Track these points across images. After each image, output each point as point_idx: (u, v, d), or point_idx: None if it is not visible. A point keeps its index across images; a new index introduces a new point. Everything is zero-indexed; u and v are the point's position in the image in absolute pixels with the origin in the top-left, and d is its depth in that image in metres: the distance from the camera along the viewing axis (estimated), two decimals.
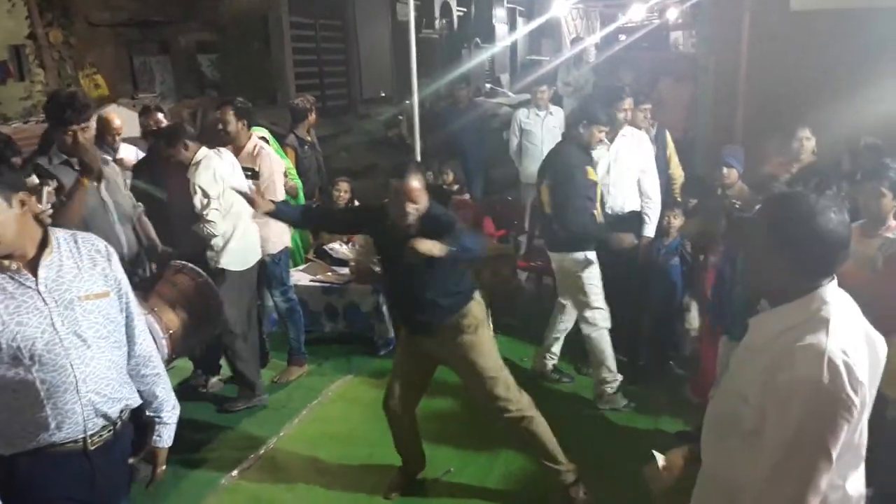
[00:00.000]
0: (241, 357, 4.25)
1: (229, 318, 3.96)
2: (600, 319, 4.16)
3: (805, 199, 1.61)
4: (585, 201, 3.94)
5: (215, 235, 3.92)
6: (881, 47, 4.90)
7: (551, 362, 4.63)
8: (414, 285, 3.12)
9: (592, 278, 4.11)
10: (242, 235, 4.10)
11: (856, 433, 1.61)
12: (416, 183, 2.98)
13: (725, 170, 4.29)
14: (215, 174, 3.91)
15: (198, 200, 3.86)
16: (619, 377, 4.26)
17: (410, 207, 2.98)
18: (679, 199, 4.90)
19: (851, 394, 1.51)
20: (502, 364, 3.30)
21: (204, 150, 3.99)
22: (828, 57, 5.06)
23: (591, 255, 4.09)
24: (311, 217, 3.87)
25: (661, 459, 1.97)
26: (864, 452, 1.69)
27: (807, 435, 1.53)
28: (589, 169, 4.01)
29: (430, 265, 2.94)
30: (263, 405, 4.39)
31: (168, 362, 3.10)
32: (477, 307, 3.27)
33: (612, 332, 4.21)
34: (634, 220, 4.46)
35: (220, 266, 3.97)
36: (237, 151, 4.26)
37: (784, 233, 1.60)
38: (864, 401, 1.57)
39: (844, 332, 1.58)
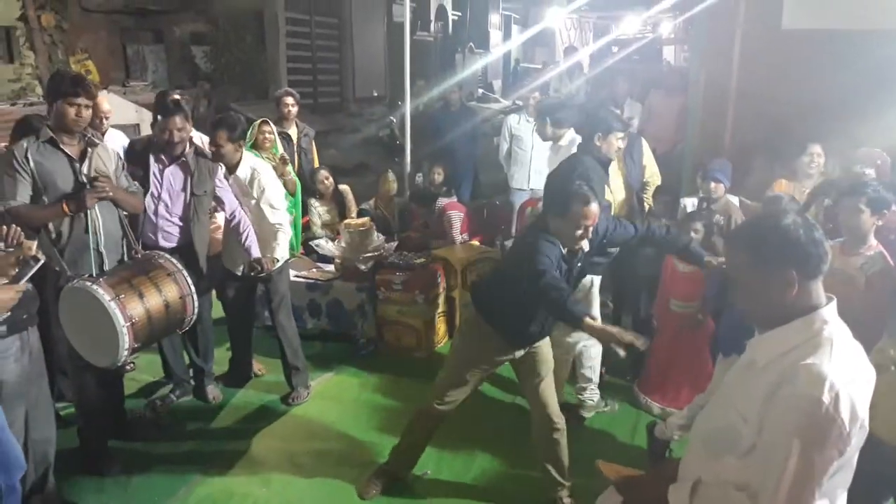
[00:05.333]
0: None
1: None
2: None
3: (760, 217, 1.74)
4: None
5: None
6: (871, 68, 4.96)
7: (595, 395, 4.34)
8: (537, 305, 3.01)
9: (597, 293, 4.09)
10: None
11: (854, 453, 1.63)
12: (597, 207, 2.89)
13: (713, 184, 4.32)
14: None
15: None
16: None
17: (590, 232, 2.93)
18: (651, 205, 4.84)
19: (847, 424, 1.52)
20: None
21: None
22: (817, 76, 5.12)
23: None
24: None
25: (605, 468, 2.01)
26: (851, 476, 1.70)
27: (798, 453, 1.54)
28: (605, 186, 3.94)
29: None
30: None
31: (132, 352, 3.07)
32: None
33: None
34: None
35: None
36: (230, 170, 4.14)
37: (759, 249, 1.65)
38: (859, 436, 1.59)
39: (847, 359, 1.60)
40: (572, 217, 2.86)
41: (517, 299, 3.01)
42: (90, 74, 9.50)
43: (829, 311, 1.66)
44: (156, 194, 3.83)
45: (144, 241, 3.80)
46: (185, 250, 3.88)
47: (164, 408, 4.30)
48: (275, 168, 4.81)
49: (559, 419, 3.33)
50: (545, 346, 3.33)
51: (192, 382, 4.42)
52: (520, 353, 3.27)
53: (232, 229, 4.10)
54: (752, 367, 1.72)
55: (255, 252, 4.05)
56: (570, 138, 4.55)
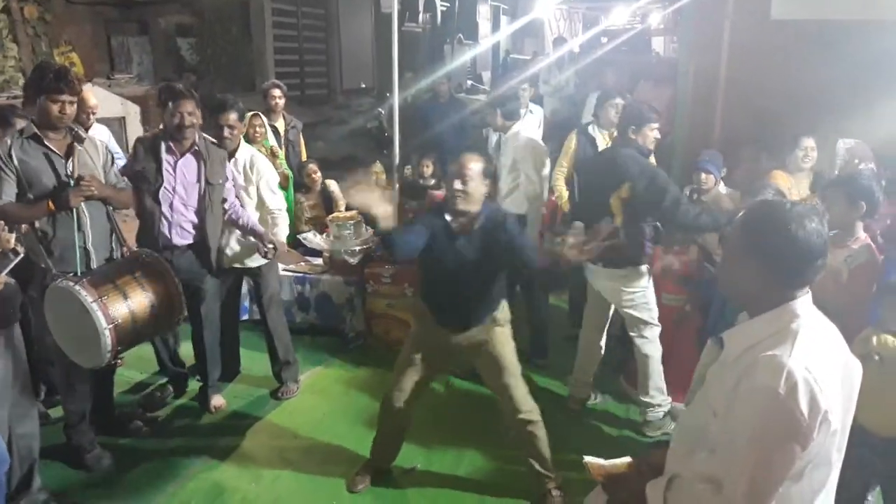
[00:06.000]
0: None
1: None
2: (656, 335, 3.96)
3: (782, 207, 1.61)
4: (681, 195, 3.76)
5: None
6: (862, 59, 4.96)
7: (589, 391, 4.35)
8: (461, 282, 3.11)
9: (651, 291, 3.94)
10: None
11: (833, 449, 1.61)
12: (471, 163, 3.04)
13: (703, 175, 4.32)
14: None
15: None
16: (669, 399, 4.03)
17: (457, 185, 3.01)
18: None
19: (806, 416, 1.48)
20: (519, 366, 3.34)
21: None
22: (807, 66, 5.11)
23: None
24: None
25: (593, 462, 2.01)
26: (836, 476, 1.68)
27: (756, 445, 1.51)
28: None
29: (478, 267, 3.05)
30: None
31: (115, 354, 3.03)
32: (505, 303, 3.33)
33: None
34: None
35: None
36: (229, 155, 4.05)
37: (759, 240, 1.60)
38: (835, 427, 1.56)
39: (813, 351, 1.55)
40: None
41: (434, 274, 3.19)
42: (74, 67, 9.37)
43: (802, 304, 1.62)
44: (170, 188, 3.74)
45: (166, 245, 3.74)
46: (197, 247, 3.83)
47: (161, 398, 4.30)
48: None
49: (530, 413, 3.30)
50: (499, 346, 3.26)
51: (194, 382, 4.37)
52: (457, 340, 3.25)
53: (226, 221, 4.02)
54: (725, 361, 1.72)
55: (260, 228, 4.01)
56: (517, 130, 4.65)
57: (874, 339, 2.68)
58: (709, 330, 3.69)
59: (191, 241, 3.83)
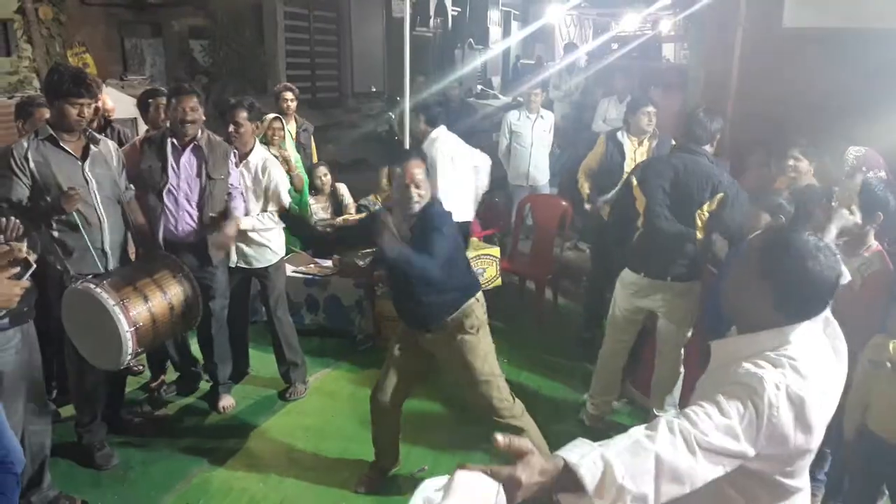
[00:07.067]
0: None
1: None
2: None
3: (801, 239, 1.60)
4: None
5: None
6: (873, 67, 4.95)
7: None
8: (407, 282, 3.11)
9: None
10: None
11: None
12: (417, 169, 3.05)
13: None
14: None
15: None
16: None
17: (413, 192, 3.03)
18: None
19: (773, 409, 1.46)
20: (498, 369, 3.30)
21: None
22: (818, 75, 5.10)
23: None
24: (328, 243, 3.65)
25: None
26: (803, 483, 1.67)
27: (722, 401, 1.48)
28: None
29: (409, 264, 2.97)
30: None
31: (135, 356, 3.06)
32: (479, 308, 3.27)
33: None
34: None
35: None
36: (241, 158, 4.09)
37: (774, 267, 1.59)
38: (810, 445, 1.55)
39: (793, 380, 1.51)
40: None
41: (392, 276, 3.27)
42: (88, 68, 9.45)
43: (798, 332, 1.59)
44: (175, 184, 3.76)
45: (165, 237, 3.77)
46: (201, 245, 3.84)
47: (168, 390, 4.35)
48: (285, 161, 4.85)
49: (513, 419, 3.24)
50: (468, 354, 3.21)
51: (204, 382, 4.39)
52: (430, 339, 3.26)
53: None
54: (710, 370, 1.73)
55: (240, 211, 3.95)
56: (435, 136, 4.66)
57: (891, 346, 2.67)
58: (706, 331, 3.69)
59: (194, 239, 3.84)
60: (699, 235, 3.57)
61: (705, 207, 3.54)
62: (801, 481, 1.65)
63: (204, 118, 3.83)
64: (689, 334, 3.87)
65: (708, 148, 3.68)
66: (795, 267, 1.56)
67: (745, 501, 1.64)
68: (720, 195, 3.51)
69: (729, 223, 3.51)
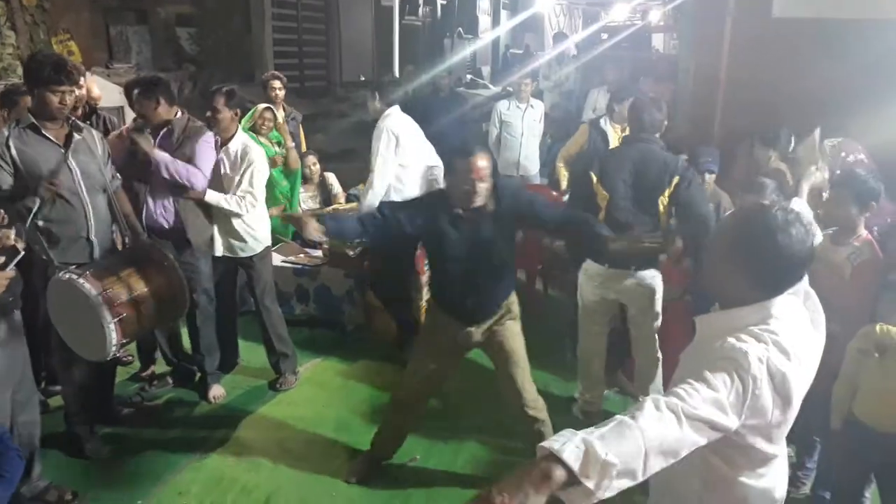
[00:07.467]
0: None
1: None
2: None
3: (770, 214, 1.62)
4: None
5: None
6: (862, 57, 4.98)
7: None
8: (473, 271, 3.06)
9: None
10: None
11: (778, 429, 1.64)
12: (483, 162, 2.93)
13: (707, 176, 4.31)
14: None
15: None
16: None
17: (479, 187, 2.94)
18: None
19: (759, 382, 1.50)
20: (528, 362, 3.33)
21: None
22: (808, 65, 5.13)
23: None
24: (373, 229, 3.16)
25: None
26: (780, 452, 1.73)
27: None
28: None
29: (495, 249, 3.00)
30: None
31: (119, 347, 3.03)
32: (515, 294, 3.31)
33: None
34: None
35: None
36: (222, 143, 4.07)
37: (744, 244, 1.62)
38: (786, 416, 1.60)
39: (774, 355, 1.56)
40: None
41: (446, 268, 3.13)
42: (73, 55, 9.33)
43: (779, 304, 1.63)
44: (153, 170, 3.74)
45: (150, 225, 3.77)
46: (180, 231, 3.84)
47: (160, 384, 4.32)
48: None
49: (538, 411, 3.30)
50: (510, 339, 3.24)
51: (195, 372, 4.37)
52: (476, 333, 3.21)
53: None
54: (696, 344, 1.77)
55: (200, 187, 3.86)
56: (387, 114, 4.61)
57: (877, 329, 2.70)
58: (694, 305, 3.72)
59: (171, 224, 3.84)
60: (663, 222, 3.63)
61: (667, 193, 3.60)
62: (779, 448, 1.71)
63: (176, 113, 3.85)
64: (660, 321, 3.89)
65: (657, 136, 3.75)
66: (766, 243, 1.59)
67: (727, 468, 1.69)
68: (676, 178, 3.58)
69: (687, 204, 3.58)
